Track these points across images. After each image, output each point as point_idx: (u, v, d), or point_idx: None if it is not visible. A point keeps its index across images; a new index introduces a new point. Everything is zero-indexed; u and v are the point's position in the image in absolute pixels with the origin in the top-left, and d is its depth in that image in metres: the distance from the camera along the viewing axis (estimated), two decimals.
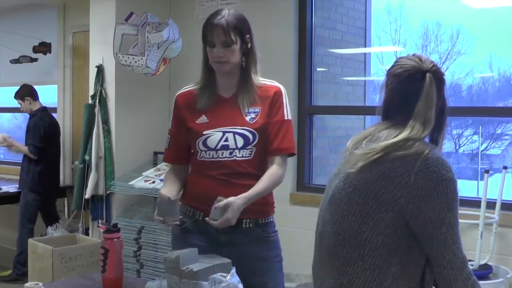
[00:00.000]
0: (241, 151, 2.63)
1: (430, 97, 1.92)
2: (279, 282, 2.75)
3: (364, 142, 1.98)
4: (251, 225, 2.68)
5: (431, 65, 1.97)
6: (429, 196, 1.82)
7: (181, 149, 2.80)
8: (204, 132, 2.66)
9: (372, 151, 1.90)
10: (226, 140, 2.63)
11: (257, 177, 2.66)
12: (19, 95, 6.19)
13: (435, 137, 1.97)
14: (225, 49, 2.60)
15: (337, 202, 1.95)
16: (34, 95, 6.20)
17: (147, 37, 4.71)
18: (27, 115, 6.30)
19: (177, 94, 2.82)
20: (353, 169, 1.93)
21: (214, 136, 2.65)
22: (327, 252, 1.97)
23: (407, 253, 1.87)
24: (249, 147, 2.64)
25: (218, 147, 2.64)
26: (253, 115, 2.67)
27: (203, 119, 2.69)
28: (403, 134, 1.90)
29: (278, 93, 2.72)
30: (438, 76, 1.96)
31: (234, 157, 2.64)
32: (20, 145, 6.17)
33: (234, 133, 2.64)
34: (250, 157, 2.65)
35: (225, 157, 2.64)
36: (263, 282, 2.69)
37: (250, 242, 2.68)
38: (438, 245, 1.84)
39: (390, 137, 1.91)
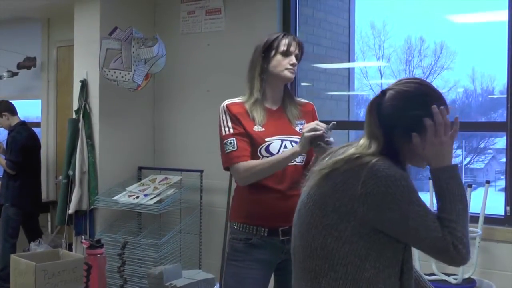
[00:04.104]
0: (299, 156, 2.83)
1: (370, 115, 1.93)
2: None
3: (326, 158, 2.02)
4: None
5: (392, 85, 1.98)
6: (384, 201, 1.81)
7: (249, 148, 2.83)
8: (266, 139, 2.81)
9: (324, 167, 1.93)
10: (285, 147, 2.83)
11: None
12: None
13: (402, 160, 1.93)
14: (295, 61, 2.91)
15: (302, 217, 1.98)
16: (12, 110, 6.17)
17: (134, 52, 4.71)
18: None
19: (225, 104, 2.89)
20: (311, 184, 1.97)
21: (275, 143, 2.84)
22: (299, 266, 1.99)
23: (379, 257, 1.86)
24: (303, 153, 2.82)
25: (280, 153, 2.81)
26: (300, 126, 2.89)
27: (258, 128, 2.84)
28: (351, 151, 1.92)
29: (315, 109, 3.07)
30: (393, 95, 1.94)
31: (295, 162, 2.83)
32: (1, 159, 6.16)
33: (291, 141, 2.85)
34: (302, 164, 2.89)
35: None
36: None
37: None
38: (413, 238, 1.84)
39: (344, 153, 1.94)
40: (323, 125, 2.68)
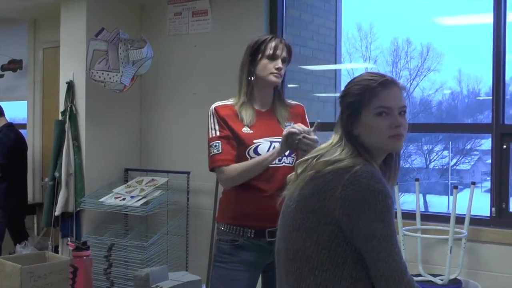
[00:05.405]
0: (288, 158, 2.85)
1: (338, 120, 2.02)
2: None
3: (303, 162, 2.04)
4: None
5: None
6: (358, 209, 1.81)
7: (234, 152, 2.84)
8: (254, 141, 2.82)
9: (306, 170, 1.96)
10: (274, 148, 2.81)
11: None
12: None
13: (359, 145, 1.96)
14: (283, 64, 2.89)
15: (285, 219, 1.99)
16: None
17: (122, 53, 4.69)
18: None
19: (214, 106, 2.89)
20: (294, 186, 1.99)
21: (264, 144, 2.84)
22: (282, 269, 1.99)
23: (355, 266, 1.85)
24: (292, 155, 2.86)
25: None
26: None
27: (247, 129, 2.84)
28: (325, 144, 2.02)
29: (304, 111, 3.08)
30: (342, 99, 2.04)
31: (283, 163, 2.84)
32: None
33: (280, 142, 2.79)
34: (292, 165, 2.84)
35: (275, 163, 2.81)
36: None
37: None
38: (372, 258, 1.81)
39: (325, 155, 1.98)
40: (303, 126, 2.71)
